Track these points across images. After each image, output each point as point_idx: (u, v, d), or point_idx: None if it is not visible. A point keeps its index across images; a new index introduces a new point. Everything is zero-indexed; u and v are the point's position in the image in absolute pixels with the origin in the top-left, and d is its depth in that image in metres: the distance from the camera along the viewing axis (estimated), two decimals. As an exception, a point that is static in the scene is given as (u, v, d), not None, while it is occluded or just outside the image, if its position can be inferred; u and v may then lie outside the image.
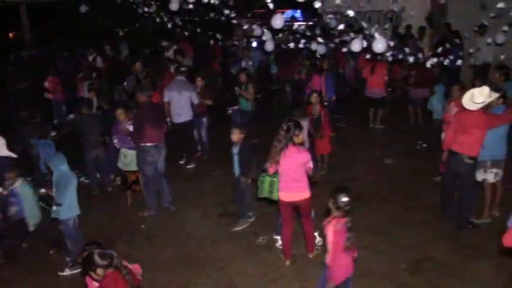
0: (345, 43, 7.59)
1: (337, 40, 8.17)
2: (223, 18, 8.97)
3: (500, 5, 5.89)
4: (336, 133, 8.68)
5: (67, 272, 5.38)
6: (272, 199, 5.29)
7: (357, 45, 6.44)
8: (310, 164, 4.97)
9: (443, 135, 6.43)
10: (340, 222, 3.84)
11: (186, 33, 11.40)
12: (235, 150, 5.98)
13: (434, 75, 8.78)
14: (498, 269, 4.92)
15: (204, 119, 8.55)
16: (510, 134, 5.78)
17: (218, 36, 10.60)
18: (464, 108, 5.43)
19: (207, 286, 5.03)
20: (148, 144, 6.37)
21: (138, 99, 6.54)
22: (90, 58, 12.53)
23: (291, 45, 8.68)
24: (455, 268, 5.05)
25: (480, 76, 8.01)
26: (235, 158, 6.00)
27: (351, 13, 6.30)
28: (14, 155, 6.21)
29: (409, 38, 11.46)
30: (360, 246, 4.20)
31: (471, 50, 8.07)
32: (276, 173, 5.04)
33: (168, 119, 7.78)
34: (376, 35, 6.04)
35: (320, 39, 8.12)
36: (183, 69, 8.25)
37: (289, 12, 18.25)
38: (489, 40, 7.98)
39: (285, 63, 11.53)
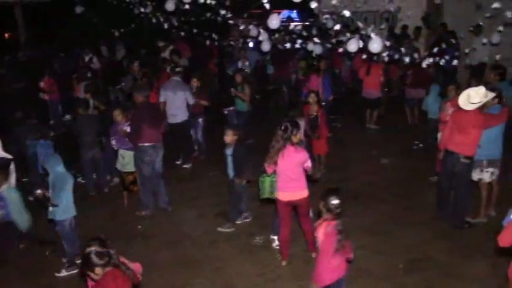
0: (341, 43, 7.60)
1: (333, 40, 8.18)
2: (219, 18, 8.95)
3: (496, 5, 5.91)
4: (333, 133, 8.70)
5: (64, 273, 5.35)
6: (273, 199, 5.27)
7: (353, 46, 6.45)
8: (309, 163, 4.96)
9: (439, 135, 6.46)
10: (331, 224, 3.77)
11: (182, 34, 11.39)
12: (229, 151, 5.93)
13: (430, 75, 8.80)
14: (494, 268, 4.93)
15: (200, 120, 8.53)
16: (506, 133, 5.81)
17: (214, 36, 10.59)
18: (460, 108, 5.45)
19: (203, 286, 5.02)
20: (146, 144, 6.37)
21: (135, 99, 6.53)
22: (87, 59, 12.53)
23: (288, 45, 8.68)
24: (453, 267, 5.07)
25: (476, 76, 8.04)
26: (229, 160, 5.96)
27: (347, 13, 6.31)
28: (9, 156, 6.17)
29: (405, 38, 11.50)
30: (356, 245, 4.20)
31: (467, 50, 8.09)
32: (275, 173, 5.03)
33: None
34: (373, 35, 6.05)
35: (316, 40, 8.13)
36: (178, 69, 8.24)
37: (285, 13, 18.30)
38: (485, 40, 8.03)
39: (282, 63, 11.55)
